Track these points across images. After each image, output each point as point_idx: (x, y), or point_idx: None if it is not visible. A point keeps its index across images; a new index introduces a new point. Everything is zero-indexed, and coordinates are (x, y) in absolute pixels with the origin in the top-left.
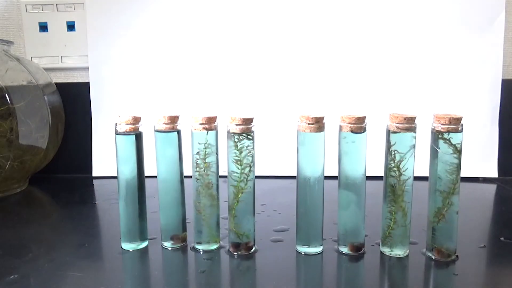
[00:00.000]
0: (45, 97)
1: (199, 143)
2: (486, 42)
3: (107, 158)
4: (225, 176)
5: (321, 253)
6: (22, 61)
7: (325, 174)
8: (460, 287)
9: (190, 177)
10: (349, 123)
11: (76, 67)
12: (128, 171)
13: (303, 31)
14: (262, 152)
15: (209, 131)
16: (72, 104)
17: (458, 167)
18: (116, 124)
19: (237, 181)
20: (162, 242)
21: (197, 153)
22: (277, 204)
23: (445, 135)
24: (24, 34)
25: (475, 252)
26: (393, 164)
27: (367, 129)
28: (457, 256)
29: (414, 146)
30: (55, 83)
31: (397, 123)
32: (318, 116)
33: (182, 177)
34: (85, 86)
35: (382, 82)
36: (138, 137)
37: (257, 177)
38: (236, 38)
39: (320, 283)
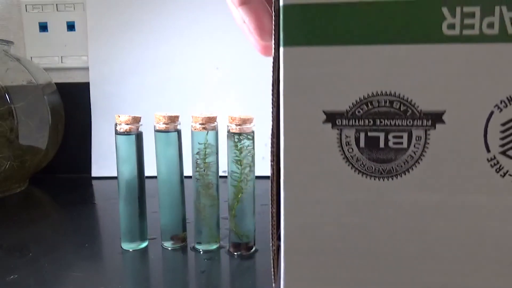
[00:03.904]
0: (45, 97)
1: (199, 143)
2: None
3: (107, 158)
4: (225, 177)
5: None
6: (22, 61)
7: None
8: None
9: (190, 177)
10: None
11: (76, 67)
12: (128, 171)
13: None
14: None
15: (209, 131)
16: (72, 104)
17: None
18: (116, 124)
19: (237, 181)
20: (162, 242)
21: (197, 153)
22: None
23: None
24: (24, 34)
25: None
26: None
27: None
28: None
29: None
30: (55, 83)
31: None
32: None
33: (182, 177)
34: (85, 86)
35: None
36: (138, 137)
37: (257, 177)
38: (236, 37)
39: None
